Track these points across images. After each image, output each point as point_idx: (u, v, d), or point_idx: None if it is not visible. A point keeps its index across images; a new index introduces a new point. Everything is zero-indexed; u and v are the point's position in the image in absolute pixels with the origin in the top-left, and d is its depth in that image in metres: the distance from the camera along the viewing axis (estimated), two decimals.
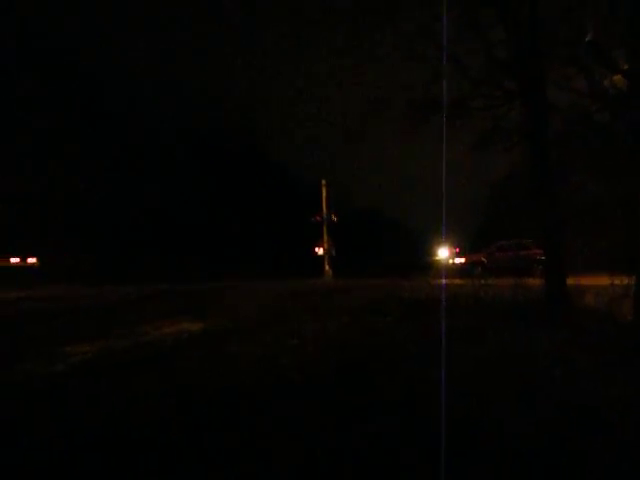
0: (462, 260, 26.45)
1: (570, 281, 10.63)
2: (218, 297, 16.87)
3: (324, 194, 35.89)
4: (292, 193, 47.60)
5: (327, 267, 34.65)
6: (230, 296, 17.11)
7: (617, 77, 9.62)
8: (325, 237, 35.14)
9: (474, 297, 11.32)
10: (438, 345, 6.76)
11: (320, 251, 34.72)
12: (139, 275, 30.52)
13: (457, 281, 15.51)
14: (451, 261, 27.48)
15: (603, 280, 10.58)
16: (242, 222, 45.33)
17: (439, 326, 8.35)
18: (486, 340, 7.51)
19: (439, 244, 29.57)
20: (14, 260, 33.56)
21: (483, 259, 24.93)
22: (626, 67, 9.32)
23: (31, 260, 34.01)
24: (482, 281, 12.70)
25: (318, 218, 35.44)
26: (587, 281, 11.77)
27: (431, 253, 30.57)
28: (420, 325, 8.91)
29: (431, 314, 9.80)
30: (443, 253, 28.99)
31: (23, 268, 33.37)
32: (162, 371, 6.87)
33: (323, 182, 35.45)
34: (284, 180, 49.37)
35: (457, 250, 29.93)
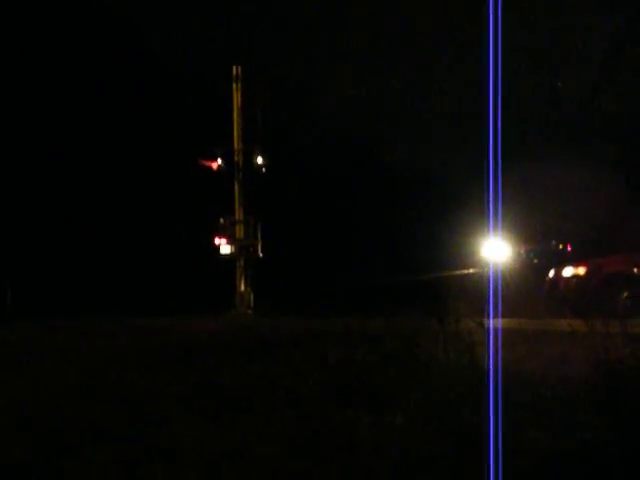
0: (578, 271, 11.75)
1: None
2: None
3: (236, 99, 17.24)
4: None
5: (241, 285, 18.34)
6: None
7: None
8: (237, 210, 18.22)
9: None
10: None
11: (225, 246, 17.92)
12: None
13: (570, 323, 6.29)
14: (556, 272, 12.42)
15: None
16: None
17: None
18: None
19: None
20: None
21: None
22: None
23: None
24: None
25: (213, 163, 18.03)
26: None
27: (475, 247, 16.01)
28: None
29: None
30: (493, 249, 13.41)
31: None
32: None
33: (236, 69, 17.56)
34: None
35: (569, 248, 16.25)
